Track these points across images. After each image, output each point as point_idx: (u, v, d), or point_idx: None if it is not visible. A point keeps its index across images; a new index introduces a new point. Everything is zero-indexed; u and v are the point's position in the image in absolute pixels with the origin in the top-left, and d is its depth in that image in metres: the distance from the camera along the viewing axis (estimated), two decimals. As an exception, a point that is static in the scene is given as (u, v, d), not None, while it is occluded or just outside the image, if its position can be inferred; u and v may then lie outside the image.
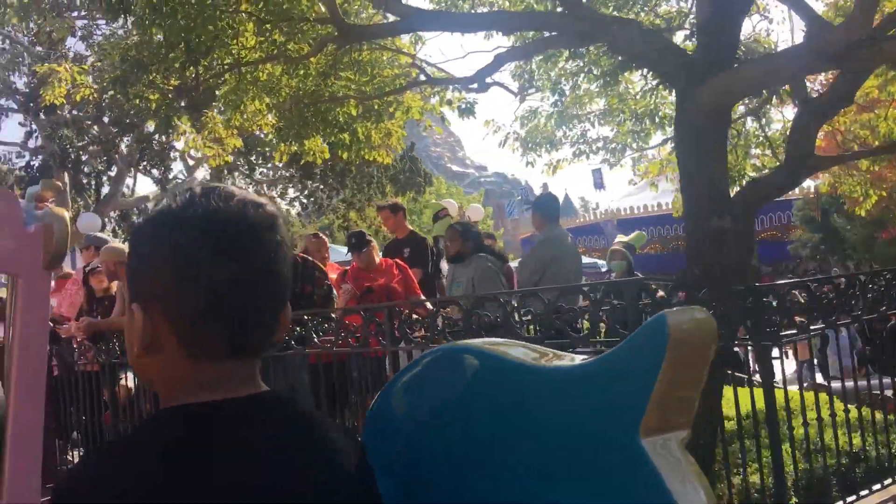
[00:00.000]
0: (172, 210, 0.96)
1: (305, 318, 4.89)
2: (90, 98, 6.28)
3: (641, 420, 0.92)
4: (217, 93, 6.99)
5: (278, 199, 20.76)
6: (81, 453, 6.68)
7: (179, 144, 18.76)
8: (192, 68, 6.07)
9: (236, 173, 19.94)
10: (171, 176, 19.54)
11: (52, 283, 8.87)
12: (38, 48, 16.95)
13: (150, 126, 17.02)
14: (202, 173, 20.55)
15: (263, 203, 0.99)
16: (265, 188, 21.37)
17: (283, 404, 1.03)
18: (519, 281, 6.66)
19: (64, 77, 6.18)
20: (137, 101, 5.98)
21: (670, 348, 0.90)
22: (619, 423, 0.94)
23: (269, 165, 20.38)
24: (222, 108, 7.24)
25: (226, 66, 6.55)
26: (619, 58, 6.13)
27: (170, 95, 6.09)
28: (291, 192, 21.13)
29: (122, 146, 17.97)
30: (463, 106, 7.28)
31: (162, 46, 5.51)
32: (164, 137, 17.98)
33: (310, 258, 6.08)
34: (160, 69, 5.83)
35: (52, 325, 7.28)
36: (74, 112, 16.69)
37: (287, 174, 20.35)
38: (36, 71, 16.49)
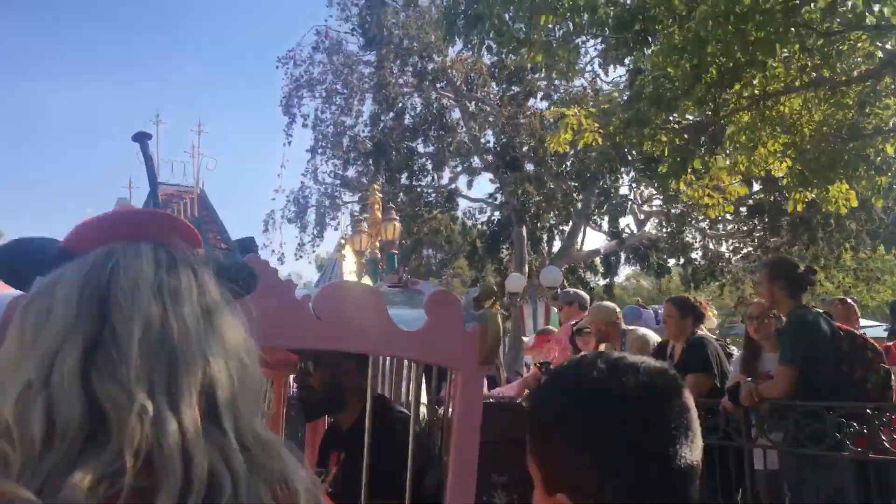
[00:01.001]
0: (576, 390, 0.96)
1: (868, 411, 3.95)
2: (592, 143, 5.89)
3: None
4: (726, 134, 6.12)
5: (730, 256, 19.14)
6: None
7: (632, 195, 18.53)
8: (710, 104, 5.29)
9: (686, 227, 18.87)
10: (619, 228, 19.32)
11: (533, 337, 8.87)
12: (503, 110, 18.20)
13: (605, 177, 17.06)
14: (650, 226, 19.99)
15: (665, 369, 0.98)
16: (712, 242, 19.99)
17: None
18: None
19: (571, 123, 5.87)
20: (650, 143, 5.37)
21: None
22: None
23: (721, 217, 18.92)
24: (728, 151, 6.33)
25: (744, 100, 5.64)
26: None
27: (685, 136, 5.36)
28: (745, 248, 19.30)
29: (578, 201, 18.27)
30: None
31: (687, 77, 4.79)
32: (615, 190, 17.87)
33: (860, 335, 4.83)
34: (678, 105, 5.14)
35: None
36: (537, 167, 17.44)
37: (745, 228, 18.67)
38: (504, 130, 17.80)
